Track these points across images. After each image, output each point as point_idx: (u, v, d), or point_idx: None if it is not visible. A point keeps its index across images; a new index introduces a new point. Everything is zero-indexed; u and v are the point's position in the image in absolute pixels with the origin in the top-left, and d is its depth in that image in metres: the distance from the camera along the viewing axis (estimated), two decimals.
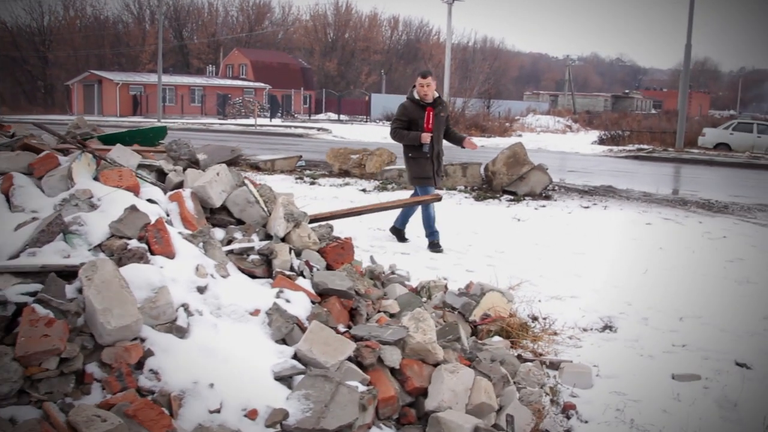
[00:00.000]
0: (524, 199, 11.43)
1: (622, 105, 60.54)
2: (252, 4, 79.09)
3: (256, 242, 3.67)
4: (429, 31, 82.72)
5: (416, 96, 7.32)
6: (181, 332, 2.80)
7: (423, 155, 7.30)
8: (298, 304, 3.25)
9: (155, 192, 3.69)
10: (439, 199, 5.53)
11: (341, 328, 3.31)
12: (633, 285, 6.04)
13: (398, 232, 7.82)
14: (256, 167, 15.50)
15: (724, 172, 19.47)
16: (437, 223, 7.45)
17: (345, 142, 26.97)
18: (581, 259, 7.09)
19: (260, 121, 43.22)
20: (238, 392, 2.66)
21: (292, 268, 3.58)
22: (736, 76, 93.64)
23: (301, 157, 16.28)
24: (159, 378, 2.58)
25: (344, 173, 14.51)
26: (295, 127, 36.75)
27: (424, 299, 5.19)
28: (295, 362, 2.88)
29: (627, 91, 69.69)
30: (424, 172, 7.34)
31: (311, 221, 4.69)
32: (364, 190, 12.21)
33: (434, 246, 7.38)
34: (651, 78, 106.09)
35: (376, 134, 31.11)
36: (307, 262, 3.68)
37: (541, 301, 5.50)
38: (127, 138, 5.20)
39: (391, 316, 3.79)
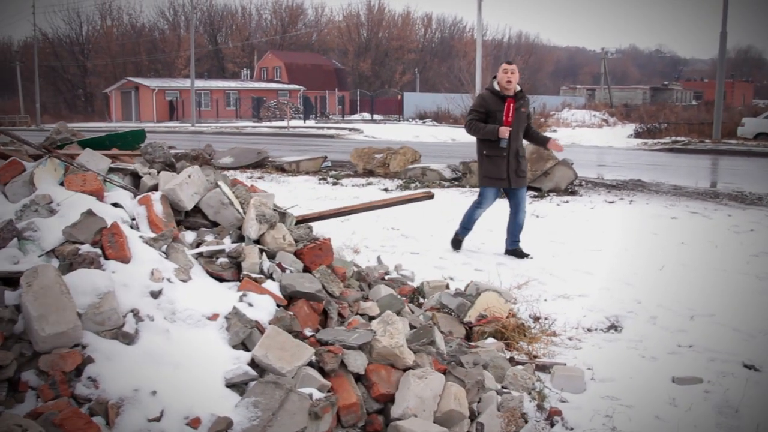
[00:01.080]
0: (548, 195, 11.15)
1: (661, 97, 59.26)
2: (285, 7, 79.53)
3: (227, 244, 3.54)
4: (463, 28, 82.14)
5: (496, 86, 6.66)
6: (128, 338, 2.68)
7: (499, 152, 6.63)
8: (262, 308, 3.11)
9: (122, 196, 3.59)
10: (431, 197, 5.26)
11: (308, 332, 3.16)
12: (647, 282, 5.77)
13: (513, 251, 6.93)
14: (281, 169, 15.49)
15: (763, 162, 18.84)
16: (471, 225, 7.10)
17: (376, 141, 26.85)
18: (596, 256, 6.83)
19: (294, 122, 43.40)
20: (183, 400, 2.53)
21: (262, 271, 3.44)
22: None
23: (326, 158, 16.20)
24: (97, 386, 2.46)
25: (368, 173, 14.38)
26: (328, 128, 36.76)
27: (423, 300, 5.03)
28: (248, 368, 2.74)
29: (666, 82, 68.14)
30: (497, 172, 6.67)
31: (299, 222, 4.56)
32: (386, 190, 12.06)
33: (456, 242, 7.14)
34: (692, 69, 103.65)
35: (407, 133, 30.96)
36: (279, 265, 3.53)
37: (547, 301, 5.28)
38: (107, 142, 5.12)
39: (372, 318, 3.62)
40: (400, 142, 26.57)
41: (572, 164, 11.97)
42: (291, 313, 3.17)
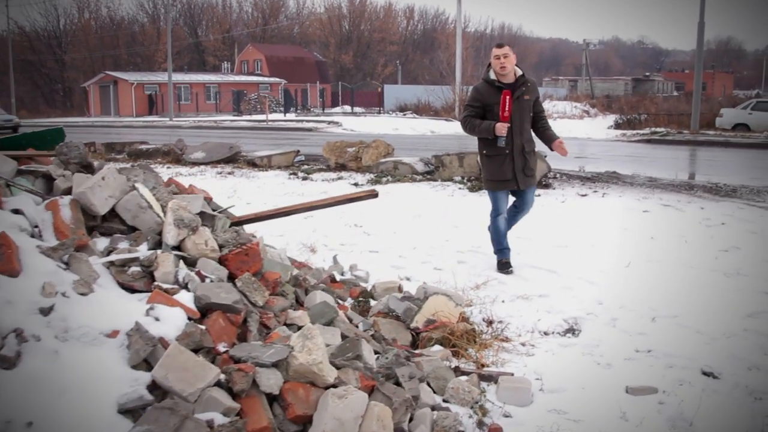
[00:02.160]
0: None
1: (642, 88, 59.27)
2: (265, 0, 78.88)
3: (142, 252, 3.26)
4: (445, 19, 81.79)
5: (491, 75, 5.76)
6: (7, 362, 2.39)
7: (500, 151, 5.76)
8: (170, 322, 2.83)
9: (26, 201, 3.28)
10: (375, 195, 4.94)
11: (222, 347, 2.89)
12: (611, 281, 5.54)
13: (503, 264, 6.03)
14: (253, 164, 15.18)
15: (740, 153, 18.71)
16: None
17: (354, 134, 26.52)
18: (562, 253, 6.59)
19: (274, 116, 42.98)
20: (65, 430, 2.26)
21: (177, 281, 3.15)
22: (762, 55, 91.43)
23: (298, 152, 15.91)
24: None
25: (341, 167, 14.09)
26: (307, 121, 36.39)
27: (374, 303, 4.77)
28: (144, 392, 2.46)
29: (648, 73, 68.17)
30: (500, 173, 5.82)
31: (234, 224, 4.28)
32: (356, 184, 11.78)
33: (502, 265, 5.97)
34: (673, 60, 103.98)
35: (386, 126, 30.66)
36: (199, 273, 3.25)
37: (504, 302, 5.04)
38: (24, 142, 4.80)
39: (300, 329, 3.35)
40: (378, 135, 26.30)
41: (546, 157, 11.73)
42: (203, 327, 2.89)
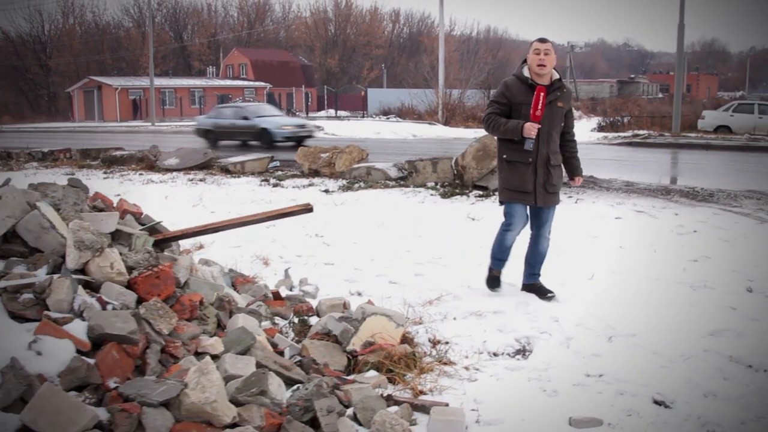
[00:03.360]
0: (494, 194, 10.63)
1: (627, 90, 59.30)
2: (251, 3, 78.55)
3: (40, 276, 2.97)
4: (431, 23, 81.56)
5: (526, 72, 5.07)
6: None
7: (522, 157, 5.06)
8: (54, 357, 2.56)
9: None
10: (309, 210, 4.62)
11: (112, 383, 2.61)
12: (571, 295, 5.27)
13: (531, 287, 5.38)
14: (226, 170, 14.89)
15: (721, 156, 18.54)
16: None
17: (336, 139, 26.21)
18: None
19: None
20: None
21: (73, 308, 2.87)
22: (745, 57, 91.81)
23: (272, 158, 15.62)
24: None
25: (314, 173, 13.82)
26: None
27: (314, 322, 4.49)
28: None
29: (632, 75, 68.24)
30: (520, 183, 5.10)
31: (158, 242, 3.99)
32: (326, 191, 11.50)
33: (491, 279, 5.46)
34: (659, 62, 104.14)
35: (369, 130, 30.38)
36: (100, 299, 2.97)
37: (456, 319, 4.77)
38: None
39: (214, 357, 3.08)
40: (360, 139, 26.00)
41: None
42: (91, 361, 2.61)
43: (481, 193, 10.69)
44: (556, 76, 5.15)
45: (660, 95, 56.64)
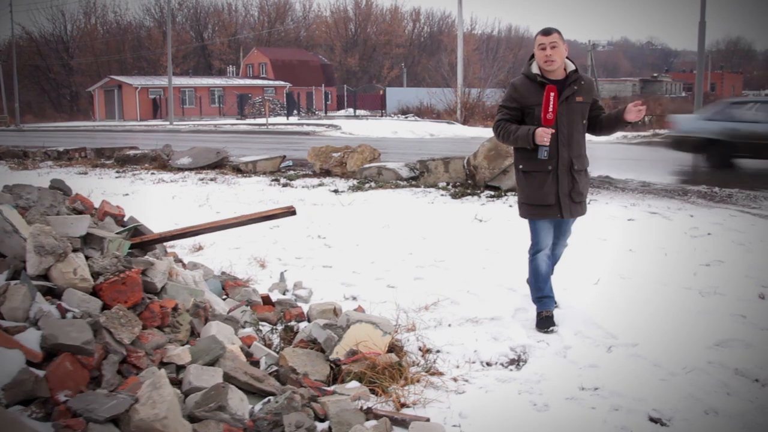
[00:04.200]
0: (506, 195, 10.43)
1: (650, 89, 58.61)
2: (272, 3, 78.75)
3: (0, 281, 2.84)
4: (452, 22, 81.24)
5: (533, 69, 4.51)
6: None
7: (541, 166, 4.47)
8: (0, 369, 2.40)
9: None
10: (292, 212, 4.40)
11: (62, 396, 2.45)
12: (574, 301, 5.06)
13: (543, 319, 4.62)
14: (237, 170, 14.81)
15: None
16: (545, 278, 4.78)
17: (352, 138, 26.09)
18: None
19: (276, 119, 42.67)
20: None
21: (29, 317, 2.73)
22: None
23: (284, 157, 15.50)
24: None
25: (325, 173, 13.69)
26: (307, 124, 36.00)
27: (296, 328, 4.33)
28: None
29: (656, 74, 67.44)
30: (540, 196, 4.53)
31: (134, 246, 3.85)
32: (336, 191, 11.34)
33: (542, 321, 4.59)
34: (682, 60, 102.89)
35: (386, 129, 30.25)
36: (59, 306, 2.82)
37: (451, 326, 4.58)
38: None
39: (180, 369, 2.92)
40: (376, 138, 25.89)
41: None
42: (41, 373, 2.46)
43: (492, 193, 10.48)
44: (572, 67, 4.51)
45: (683, 94, 55.91)
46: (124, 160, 17.12)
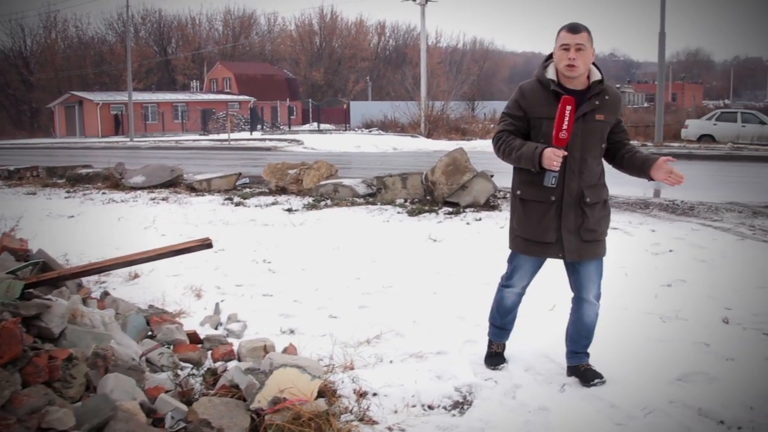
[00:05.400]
0: (464, 211, 10.11)
1: None
2: (236, 16, 78.24)
3: None
4: (417, 35, 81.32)
5: (549, 74, 3.66)
6: None
7: (542, 195, 3.67)
8: None
9: None
10: (209, 245, 3.95)
11: None
12: (527, 331, 4.69)
13: (574, 369, 3.98)
14: (192, 188, 14.31)
15: (704, 166, 18.07)
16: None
17: (314, 153, 25.74)
18: (482, 293, 5.71)
19: (240, 135, 42.13)
20: None
21: None
22: (729, 65, 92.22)
23: (240, 174, 15.05)
24: None
25: (281, 190, 13.25)
26: (270, 140, 35.51)
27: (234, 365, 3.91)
28: None
29: (618, 85, 68.19)
30: (537, 231, 3.74)
31: (30, 286, 3.41)
32: (289, 210, 10.92)
33: (491, 357, 4.19)
34: (644, 71, 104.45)
35: (349, 143, 29.89)
36: None
37: (392, 362, 4.20)
38: None
39: None
40: (339, 153, 25.53)
41: (492, 176, 10.95)
42: None
43: (451, 210, 10.15)
44: (597, 76, 3.66)
45: (646, 104, 56.43)
46: (76, 180, 16.54)
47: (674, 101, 58.35)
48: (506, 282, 4.07)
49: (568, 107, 3.46)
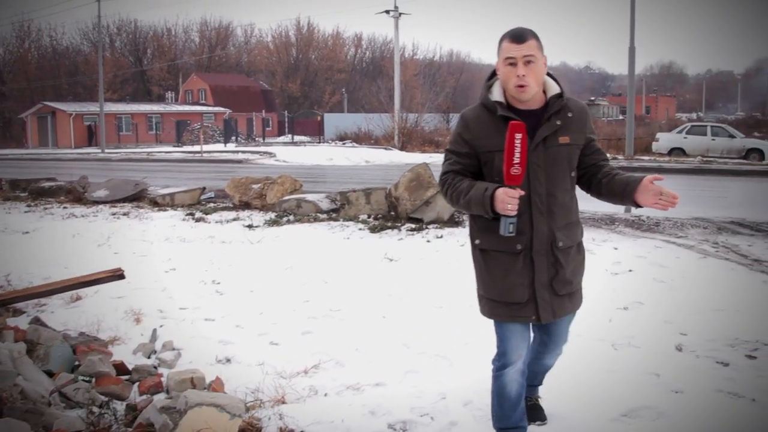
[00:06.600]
0: (427, 228, 9.91)
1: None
2: (212, 27, 77.87)
3: None
4: (393, 47, 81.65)
5: (494, 95, 3.00)
6: None
7: (504, 246, 2.98)
8: None
9: None
10: (120, 276, 3.73)
11: None
12: (471, 360, 4.46)
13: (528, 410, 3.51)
14: (155, 202, 14.01)
15: (673, 180, 17.92)
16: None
17: (285, 166, 25.49)
18: (432, 318, 5.54)
19: (214, 147, 41.76)
20: None
21: None
22: (702, 79, 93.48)
23: (204, 189, 14.78)
24: None
25: (245, 205, 12.99)
26: (242, 152, 35.20)
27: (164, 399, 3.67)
28: None
29: (593, 98, 68.77)
30: (504, 289, 3.02)
31: None
32: (250, 226, 10.67)
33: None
34: (619, 84, 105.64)
35: (322, 156, 29.67)
36: None
37: (327, 395, 3.98)
38: None
39: None
40: (311, 166, 25.31)
41: None
42: None
43: (414, 226, 9.96)
44: (555, 90, 3.00)
45: (620, 117, 56.87)
46: (38, 193, 16.19)
47: (648, 114, 58.85)
48: (500, 361, 3.16)
49: (518, 135, 2.77)
